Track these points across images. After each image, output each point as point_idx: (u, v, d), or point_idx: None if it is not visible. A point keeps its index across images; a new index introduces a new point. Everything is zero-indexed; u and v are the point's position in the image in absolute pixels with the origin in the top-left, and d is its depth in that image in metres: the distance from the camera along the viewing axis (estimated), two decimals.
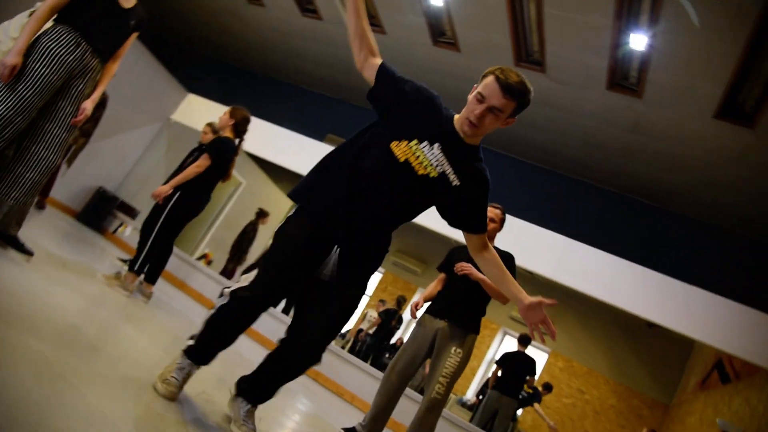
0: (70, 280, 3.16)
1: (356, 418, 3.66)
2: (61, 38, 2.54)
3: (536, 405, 7.48)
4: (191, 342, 2.02)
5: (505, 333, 11.43)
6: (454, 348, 3.38)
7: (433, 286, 3.74)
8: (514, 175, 7.57)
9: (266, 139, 7.89)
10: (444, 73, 6.98)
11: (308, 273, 1.97)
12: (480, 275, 3.33)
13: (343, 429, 3.41)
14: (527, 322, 1.96)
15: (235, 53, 9.51)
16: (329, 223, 1.94)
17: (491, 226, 3.52)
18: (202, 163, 4.05)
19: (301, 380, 4.58)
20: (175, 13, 9.18)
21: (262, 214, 8.66)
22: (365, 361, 8.40)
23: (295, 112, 9.05)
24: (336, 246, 1.97)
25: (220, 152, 4.15)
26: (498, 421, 6.56)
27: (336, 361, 5.89)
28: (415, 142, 1.92)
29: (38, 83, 2.46)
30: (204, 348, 2.00)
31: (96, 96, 2.76)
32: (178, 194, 4.04)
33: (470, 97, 1.91)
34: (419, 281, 12.18)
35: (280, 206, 11.14)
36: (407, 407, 3.87)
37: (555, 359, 10.63)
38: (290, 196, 2.05)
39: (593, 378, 10.21)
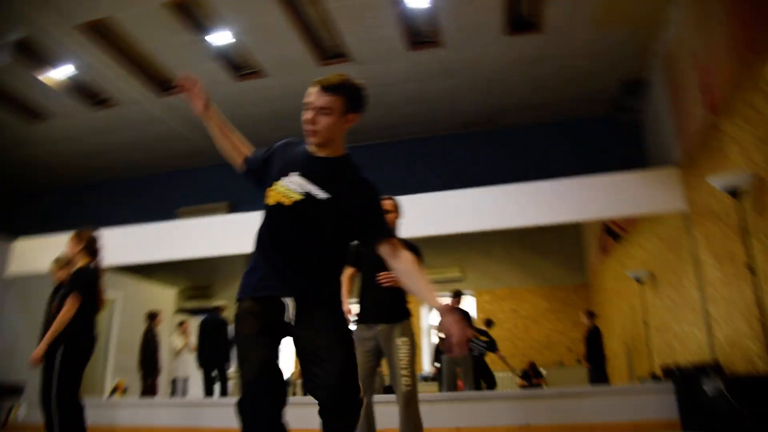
0: None
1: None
2: None
3: (498, 353, 7.87)
4: None
5: None
6: (399, 340, 3.49)
7: (346, 282, 3.75)
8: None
9: (118, 243, 7.40)
10: (258, 102, 7.01)
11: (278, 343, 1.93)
12: (392, 277, 3.44)
13: None
14: (442, 328, 1.87)
15: (42, 175, 8.75)
16: (275, 292, 1.94)
17: (390, 216, 3.65)
18: (71, 305, 3.73)
19: None
20: None
21: (153, 317, 8.17)
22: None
23: (138, 203, 8.58)
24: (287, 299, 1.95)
25: (85, 285, 3.85)
26: (464, 378, 6.86)
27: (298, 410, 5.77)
28: (276, 183, 2.01)
29: None
30: None
31: None
32: (61, 348, 3.68)
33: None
34: None
35: (165, 300, 10.55)
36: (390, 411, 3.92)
37: (481, 297, 11.23)
38: (238, 299, 1.99)
39: (518, 294, 10.95)
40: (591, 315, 7.85)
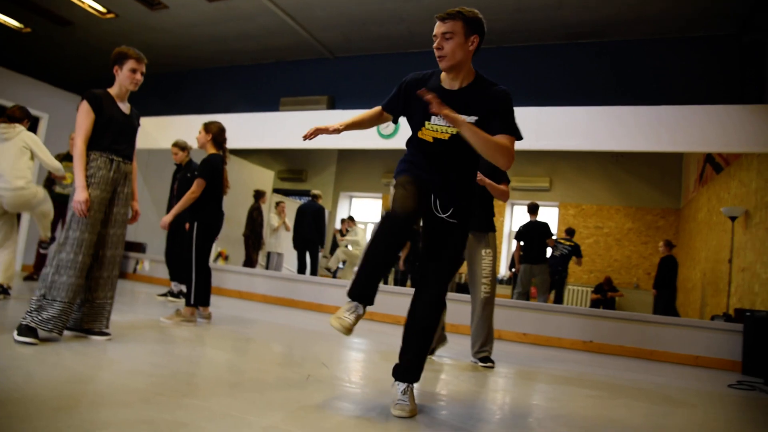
0: (148, 336, 3.53)
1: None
2: (99, 162, 3.07)
3: (578, 260, 8.08)
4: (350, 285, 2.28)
5: (513, 204, 11.98)
6: (482, 251, 3.85)
7: None
8: None
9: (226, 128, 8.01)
10: (367, 3, 7.03)
11: (424, 200, 2.32)
12: (488, 181, 3.71)
13: None
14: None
15: (159, 60, 9.36)
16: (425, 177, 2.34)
17: None
18: (197, 188, 4.31)
19: (379, 329, 5.11)
20: (80, 53, 8.97)
21: (260, 195, 8.90)
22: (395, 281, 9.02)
23: (245, 91, 9.08)
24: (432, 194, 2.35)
25: (212, 171, 4.40)
26: (538, 287, 7.19)
27: (381, 297, 6.38)
28: (427, 123, 2.29)
29: (95, 203, 3.01)
30: (362, 284, 2.23)
31: (136, 192, 3.39)
32: (196, 223, 4.34)
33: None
34: None
35: (264, 180, 11.34)
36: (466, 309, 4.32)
37: (565, 209, 11.23)
38: (396, 174, 2.40)
39: (605, 212, 10.85)
40: (669, 244, 7.77)
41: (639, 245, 10.37)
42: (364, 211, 13.00)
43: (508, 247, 11.53)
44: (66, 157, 6.09)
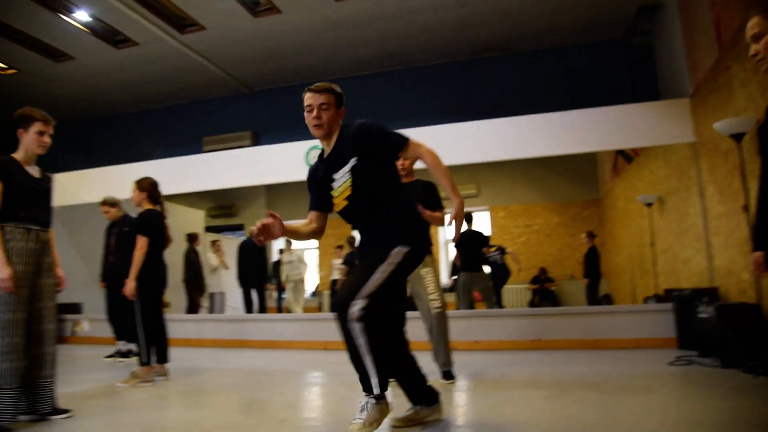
0: (105, 405, 3.44)
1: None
2: (16, 234, 2.90)
3: (509, 253, 8.45)
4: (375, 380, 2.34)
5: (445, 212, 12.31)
6: (422, 271, 3.96)
7: None
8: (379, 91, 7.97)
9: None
10: (278, 37, 7.13)
11: None
12: (427, 213, 3.87)
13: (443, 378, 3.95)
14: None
15: (70, 111, 9.04)
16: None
17: (407, 162, 4.03)
18: (143, 244, 4.23)
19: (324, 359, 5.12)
20: None
21: (193, 238, 8.72)
22: None
23: (165, 133, 8.91)
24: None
25: (152, 227, 4.33)
26: (482, 294, 7.44)
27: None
28: (333, 196, 2.51)
29: (20, 278, 2.86)
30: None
31: (57, 258, 3.15)
32: (141, 281, 4.25)
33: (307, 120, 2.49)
34: None
35: (195, 220, 11.10)
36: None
37: (495, 212, 11.69)
38: (411, 245, 2.47)
39: (532, 210, 11.39)
40: (590, 235, 8.29)
41: (567, 237, 10.96)
42: None
43: (444, 256, 11.85)
44: None
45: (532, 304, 10.48)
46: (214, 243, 9.46)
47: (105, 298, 5.68)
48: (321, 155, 2.58)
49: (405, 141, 2.40)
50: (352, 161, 2.41)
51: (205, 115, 8.91)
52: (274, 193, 12.86)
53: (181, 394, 3.84)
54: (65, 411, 3.11)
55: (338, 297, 2.37)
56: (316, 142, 6.81)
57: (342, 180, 2.45)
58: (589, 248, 8.21)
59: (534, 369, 4.40)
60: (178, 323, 7.25)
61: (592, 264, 8.10)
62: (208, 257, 9.21)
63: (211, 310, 9.13)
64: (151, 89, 8.58)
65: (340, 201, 2.48)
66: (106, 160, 8.47)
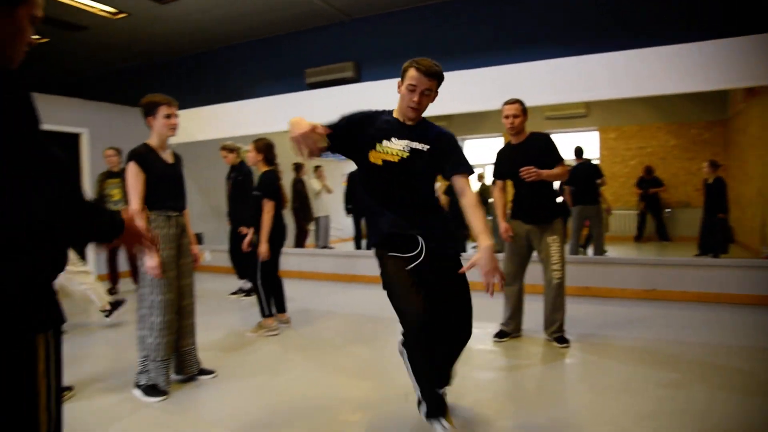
0: (242, 361, 3.81)
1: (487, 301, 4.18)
2: (159, 222, 3.18)
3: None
4: (424, 408, 2.41)
5: (549, 134, 11.75)
6: (548, 238, 3.93)
7: (498, 195, 4.21)
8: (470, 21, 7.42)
9: (258, 112, 8.05)
10: None
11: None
12: (545, 172, 3.76)
13: (495, 337, 4.12)
14: (481, 270, 2.20)
15: (172, 52, 9.30)
16: (403, 237, 2.41)
17: (517, 120, 3.87)
18: (269, 208, 4.44)
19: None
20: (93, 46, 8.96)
21: (299, 167, 9.04)
22: None
23: (269, 65, 8.98)
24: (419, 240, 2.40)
25: (274, 189, 4.51)
26: (592, 228, 7.23)
27: None
28: (378, 145, 2.40)
29: (167, 263, 3.15)
30: (433, 400, 2.38)
31: (192, 235, 3.43)
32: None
33: (401, 90, 2.38)
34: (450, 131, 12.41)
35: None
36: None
37: (605, 133, 11.01)
38: (375, 246, 2.48)
39: (646, 131, 10.59)
40: (714, 165, 7.47)
41: (685, 161, 10.17)
42: None
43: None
44: (109, 175, 6.27)
45: (640, 215, 9.99)
46: (316, 169, 9.75)
47: (229, 238, 6.03)
48: (388, 113, 2.49)
49: (470, 170, 2.43)
50: (422, 146, 2.40)
51: (306, 47, 8.82)
52: None
53: (302, 349, 4.14)
54: (210, 372, 3.50)
55: (464, 322, 2.43)
56: None
57: (399, 147, 2.39)
58: (714, 179, 7.52)
59: (648, 333, 4.28)
60: (294, 257, 7.71)
61: (717, 199, 7.41)
62: (311, 183, 9.53)
63: (317, 234, 9.56)
64: (251, 22, 8.58)
65: (377, 157, 2.39)
66: (215, 98, 8.75)
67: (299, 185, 9.00)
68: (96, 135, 7.44)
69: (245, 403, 3.03)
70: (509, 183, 4.20)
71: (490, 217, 8.02)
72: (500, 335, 4.14)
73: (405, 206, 2.42)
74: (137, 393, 3.13)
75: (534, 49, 6.32)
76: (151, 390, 3.11)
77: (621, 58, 5.53)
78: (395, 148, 2.39)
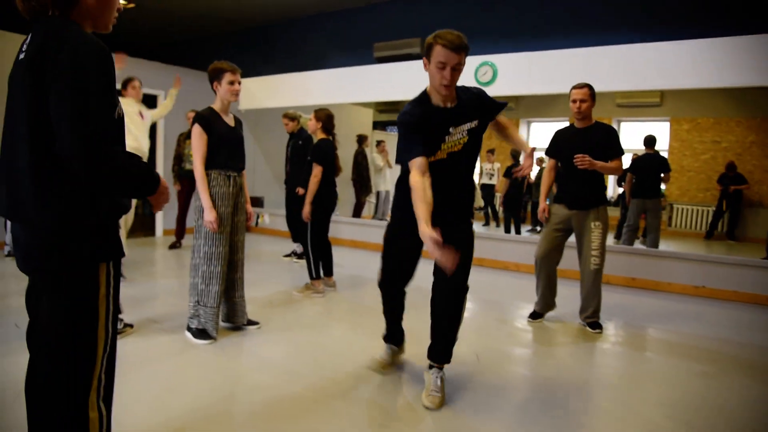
0: (286, 316, 4.08)
1: (526, 284, 4.35)
2: (219, 180, 3.39)
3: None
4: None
5: (619, 122, 11.41)
6: (592, 224, 3.94)
7: (547, 174, 4.23)
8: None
9: (325, 84, 8.24)
10: None
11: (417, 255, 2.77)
12: (599, 164, 3.77)
13: (529, 318, 4.20)
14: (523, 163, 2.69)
15: (248, 18, 9.61)
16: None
17: (585, 105, 3.87)
18: (318, 172, 4.66)
19: (477, 270, 5.39)
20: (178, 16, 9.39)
21: (362, 139, 9.21)
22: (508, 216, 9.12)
23: (337, 38, 9.15)
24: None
25: (325, 156, 4.71)
26: (649, 221, 7.03)
27: (487, 243, 6.63)
28: (443, 145, 2.52)
29: (223, 218, 3.40)
30: (390, 331, 3.04)
31: (247, 194, 3.67)
32: (312, 205, 4.74)
33: (429, 69, 2.44)
34: (517, 114, 12.22)
35: (364, 117, 11.56)
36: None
37: (678, 125, 10.56)
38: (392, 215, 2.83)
39: (723, 125, 10.09)
40: None
41: (763, 159, 9.64)
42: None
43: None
44: (188, 136, 6.66)
45: (718, 211, 9.62)
46: (379, 144, 9.90)
47: (285, 202, 6.32)
48: (429, 103, 2.51)
49: (504, 104, 2.69)
50: (474, 123, 2.56)
51: (376, 21, 8.94)
52: None
53: (345, 312, 4.37)
54: (255, 323, 3.78)
55: (459, 279, 2.58)
56: (486, 58, 6.54)
57: (458, 136, 2.53)
58: None
59: (691, 328, 4.24)
60: (346, 225, 7.97)
61: None
62: (374, 157, 9.70)
63: (376, 208, 9.77)
64: None
65: (442, 153, 2.52)
66: (284, 67, 9.03)
67: (360, 157, 9.19)
68: None
69: (283, 354, 3.29)
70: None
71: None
72: (533, 316, 4.22)
73: (455, 188, 2.61)
74: (188, 335, 3.45)
75: (608, 34, 6.17)
76: (201, 333, 3.41)
77: (700, 46, 5.32)
78: (456, 138, 2.53)
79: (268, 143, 9.38)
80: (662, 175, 6.92)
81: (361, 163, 9.19)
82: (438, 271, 2.60)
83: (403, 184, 2.62)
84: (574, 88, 3.93)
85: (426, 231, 2.15)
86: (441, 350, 2.71)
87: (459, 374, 3.00)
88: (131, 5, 9.32)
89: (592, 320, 3.99)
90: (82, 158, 1.33)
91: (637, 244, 7.43)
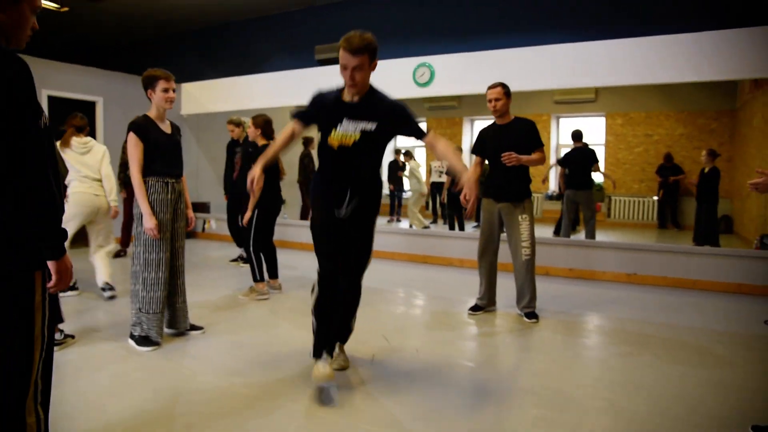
0: (230, 319, 4.10)
1: (470, 278, 4.53)
2: (158, 187, 3.39)
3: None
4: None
5: (558, 118, 11.83)
6: (519, 216, 4.13)
7: (473, 170, 4.38)
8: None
9: (269, 87, 8.24)
10: None
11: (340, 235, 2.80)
12: (524, 158, 3.96)
13: (470, 311, 4.36)
14: (465, 190, 2.64)
15: (187, 21, 9.50)
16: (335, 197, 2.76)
17: (499, 103, 4.06)
18: (259, 179, 4.66)
19: (423, 267, 5.57)
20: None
21: (308, 141, 9.23)
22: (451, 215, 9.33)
23: (279, 41, 9.15)
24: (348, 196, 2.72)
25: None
26: (583, 212, 7.35)
27: (434, 240, 6.80)
28: (333, 130, 2.65)
29: (162, 224, 3.40)
30: (322, 340, 2.79)
31: (188, 200, 3.70)
32: (257, 209, 4.76)
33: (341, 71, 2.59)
34: (460, 112, 12.53)
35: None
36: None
37: (612, 119, 11.05)
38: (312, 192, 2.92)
39: (654, 119, 10.61)
40: (712, 154, 7.51)
41: (692, 151, 10.20)
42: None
43: (555, 160, 11.55)
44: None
45: (662, 201, 10.10)
46: (406, 153, 10.10)
47: (227, 209, 6.31)
48: (340, 95, 2.69)
49: (425, 132, 2.72)
50: (370, 125, 2.63)
51: (317, 22, 8.98)
52: None
53: (290, 311, 4.42)
54: (200, 328, 3.79)
55: (353, 273, 2.85)
56: (424, 59, 6.66)
57: (350, 130, 2.64)
58: (710, 168, 7.60)
59: (622, 312, 4.49)
60: (293, 228, 7.99)
61: (709, 188, 7.51)
62: (412, 167, 9.97)
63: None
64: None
65: (335, 141, 2.65)
66: (228, 70, 8.97)
67: (306, 159, 9.22)
68: (110, 103, 7.73)
69: (226, 355, 3.31)
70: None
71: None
72: (474, 308, 4.38)
73: (348, 180, 2.71)
74: (131, 343, 3.43)
75: (541, 34, 6.40)
76: (144, 340, 3.40)
77: (628, 45, 5.64)
78: (348, 132, 2.63)
79: (212, 148, 9.29)
80: (592, 166, 7.25)
81: (307, 165, 9.22)
82: (339, 269, 2.83)
83: (319, 171, 2.84)
84: (489, 88, 4.14)
85: (254, 169, 2.80)
86: (340, 333, 3.04)
87: (399, 363, 3.11)
88: (64, 9, 9.06)
89: (528, 310, 4.18)
90: None
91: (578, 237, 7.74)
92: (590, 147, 7.57)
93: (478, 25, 7.01)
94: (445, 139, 2.80)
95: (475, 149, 4.36)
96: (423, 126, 2.76)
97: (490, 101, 4.10)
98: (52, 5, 8.71)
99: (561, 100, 11.05)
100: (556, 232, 8.00)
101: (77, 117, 4.74)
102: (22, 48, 1.62)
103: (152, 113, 3.48)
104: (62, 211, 1.57)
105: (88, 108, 7.61)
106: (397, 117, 2.67)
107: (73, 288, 4.83)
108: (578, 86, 6.25)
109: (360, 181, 2.74)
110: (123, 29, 9.89)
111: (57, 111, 7.24)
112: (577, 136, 7.51)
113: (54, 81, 7.26)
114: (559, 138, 11.78)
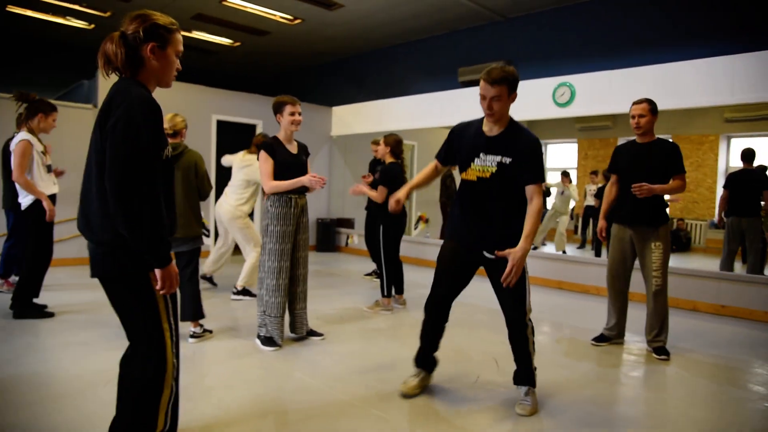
0: (352, 330, 4.32)
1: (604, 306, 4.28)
2: (282, 201, 3.71)
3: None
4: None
5: (728, 138, 10.63)
6: (652, 244, 3.83)
7: (609, 190, 4.15)
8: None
9: (414, 110, 8.53)
10: None
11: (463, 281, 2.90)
12: (657, 188, 3.68)
13: (593, 341, 4.11)
14: (509, 262, 2.54)
15: (340, 51, 10.19)
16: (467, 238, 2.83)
17: (643, 120, 3.80)
18: (380, 194, 4.90)
19: (557, 293, 5.35)
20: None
21: None
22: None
23: (423, 65, 9.46)
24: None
25: (392, 179, 4.95)
26: (747, 243, 6.51)
27: (570, 265, 6.50)
28: (472, 164, 2.73)
29: (285, 235, 3.72)
30: (422, 354, 3.00)
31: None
32: (382, 225, 4.98)
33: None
34: (614, 132, 11.82)
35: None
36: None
37: None
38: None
39: None
40: None
41: None
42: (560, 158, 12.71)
43: (720, 186, 10.38)
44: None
45: None
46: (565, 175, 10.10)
47: (365, 225, 6.62)
48: (480, 127, 2.75)
49: (542, 179, 2.66)
50: (507, 159, 2.64)
51: (459, 46, 9.16)
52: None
53: (409, 327, 4.51)
54: (320, 334, 4.06)
55: (517, 313, 2.76)
56: (565, 79, 6.53)
57: (488, 163, 2.68)
58: None
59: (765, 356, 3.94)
60: (432, 247, 8.13)
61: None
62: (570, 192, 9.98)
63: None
64: (409, 25, 9.14)
65: (473, 175, 2.72)
66: (374, 93, 9.49)
67: (448, 180, 9.35)
68: (268, 125, 8.55)
69: (337, 362, 3.52)
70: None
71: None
72: (599, 339, 4.13)
73: (485, 215, 2.73)
74: (257, 342, 3.80)
75: (689, 47, 5.93)
76: (267, 341, 3.75)
77: None
78: (486, 164, 2.68)
79: (358, 166, 9.81)
80: (762, 192, 6.42)
81: (449, 186, 9.33)
82: (503, 302, 2.81)
83: (457, 203, 2.88)
84: (634, 103, 3.89)
85: (399, 192, 2.94)
86: (524, 375, 2.88)
87: (503, 390, 3.06)
88: (237, 44, 10.28)
89: (657, 344, 3.85)
90: (113, 196, 1.67)
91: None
92: (761, 169, 6.72)
93: (624, 42, 6.66)
94: (540, 201, 2.63)
95: (612, 167, 4.13)
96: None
97: (633, 117, 3.88)
98: (228, 41, 9.94)
99: (732, 118, 9.94)
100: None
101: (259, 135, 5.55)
102: (170, 87, 1.96)
103: (281, 135, 3.82)
104: (167, 228, 1.84)
105: (250, 130, 8.51)
106: (530, 153, 2.64)
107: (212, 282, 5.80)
108: (747, 102, 5.55)
109: (498, 214, 2.72)
110: (285, 60, 10.96)
111: (223, 132, 8.26)
112: (747, 156, 6.71)
113: (221, 107, 8.25)
114: (729, 160, 10.55)
